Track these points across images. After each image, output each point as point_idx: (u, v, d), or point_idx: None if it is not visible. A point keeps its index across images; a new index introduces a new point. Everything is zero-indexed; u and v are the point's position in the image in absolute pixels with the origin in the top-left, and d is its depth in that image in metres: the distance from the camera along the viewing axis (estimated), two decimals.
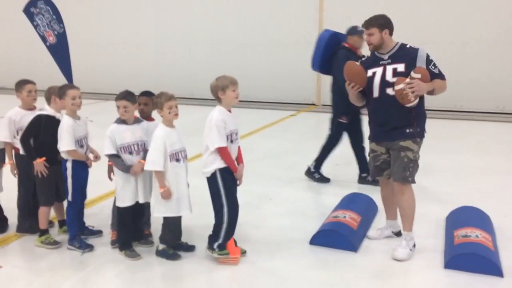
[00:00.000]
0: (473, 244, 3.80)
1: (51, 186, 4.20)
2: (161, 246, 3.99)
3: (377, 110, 4.01)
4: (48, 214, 4.28)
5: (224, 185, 3.75)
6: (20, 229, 4.44)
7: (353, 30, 5.76)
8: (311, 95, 13.78)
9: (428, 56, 3.85)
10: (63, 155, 4.04)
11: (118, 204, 3.93)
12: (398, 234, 4.32)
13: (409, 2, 12.17)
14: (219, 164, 3.72)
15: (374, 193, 5.14)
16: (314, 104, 13.75)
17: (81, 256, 3.98)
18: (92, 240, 4.27)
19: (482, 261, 3.63)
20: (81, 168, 4.12)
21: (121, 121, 3.91)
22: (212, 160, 3.73)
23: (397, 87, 3.72)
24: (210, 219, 3.90)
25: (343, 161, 7.16)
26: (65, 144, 3.96)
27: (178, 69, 15.24)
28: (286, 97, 14.03)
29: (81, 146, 4.10)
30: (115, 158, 3.86)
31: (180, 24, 15.12)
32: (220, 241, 3.81)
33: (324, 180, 6.18)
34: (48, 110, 4.20)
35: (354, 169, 6.37)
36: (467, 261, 3.67)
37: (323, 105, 13.64)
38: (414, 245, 4.04)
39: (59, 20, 10.49)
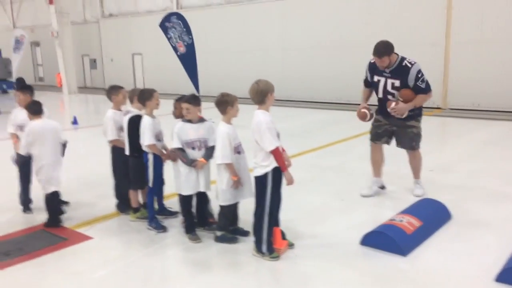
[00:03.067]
0: None
1: (139, 174, 4.95)
2: (219, 233, 4.43)
3: (382, 104, 5.36)
4: (137, 196, 5.06)
5: (273, 186, 3.95)
6: (119, 208, 5.30)
7: None
8: (436, 97, 12.97)
9: (418, 73, 4.99)
10: (145, 149, 4.73)
11: (181, 193, 4.47)
12: (382, 187, 5.73)
13: None
14: (273, 164, 3.90)
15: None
16: (439, 108, 12.94)
17: (155, 235, 4.63)
18: (169, 221, 4.92)
19: None
20: (159, 159, 4.77)
21: (187, 120, 4.45)
22: (267, 160, 3.91)
23: (388, 109, 5.18)
24: None
25: (439, 167, 6.81)
26: (147, 139, 4.64)
27: (301, 74, 15.69)
28: None
29: (159, 140, 4.76)
30: (180, 152, 4.40)
31: (302, 30, 15.54)
32: (265, 244, 4.01)
33: None
34: (134, 111, 4.94)
35: (450, 177, 6.10)
36: None
37: (451, 109, 12.80)
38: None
39: (189, 32, 11.79)
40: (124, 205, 5.27)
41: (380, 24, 13.50)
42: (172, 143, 4.46)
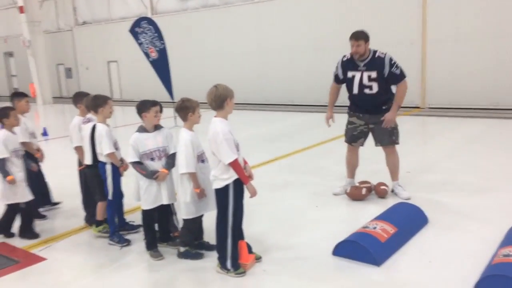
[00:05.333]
0: (508, 264, 3.22)
1: (98, 185, 4.61)
2: (182, 248, 4.13)
3: (357, 101, 5.34)
4: (105, 208, 4.67)
5: (235, 198, 3.67)
6: (87, 222, 4.98)
7: None
8: (414, 97, 12.83)
9: (390, 60, 5.06)
10: (103, 158, 4.42)
11: (142, 207, 4.16)
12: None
13: None
14: (234, 176, 3.61)
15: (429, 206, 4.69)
16: (418, 107, 12.80)
17: (116, 252, 4.31)
18: (131, 236, 4.59)
19: None
20: (118, 170, 4.47)
21: (142, 129, 4.14)
22: (227, 173, 3.62)
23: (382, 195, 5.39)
24: None
25: (417, 168, 6.61)
26: (107, 147, 4.34)
27: (279, 77, 15.45)
28: None
29: (117, 149, 4.46)
30: (138, 165, 4.09)
31: (279, 33, 15.29)
32: (230, 259, 3.73)
33: None
34: (94, 119, 4.63)
35: (428, 178, 5.90)
36: (498, 284, 3.13)
37: (430, 107, 12.67)
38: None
39: (160, 37, 11.45)
40: (92, 218, 4.92)
41: (356, 24, 13.23)
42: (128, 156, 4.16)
